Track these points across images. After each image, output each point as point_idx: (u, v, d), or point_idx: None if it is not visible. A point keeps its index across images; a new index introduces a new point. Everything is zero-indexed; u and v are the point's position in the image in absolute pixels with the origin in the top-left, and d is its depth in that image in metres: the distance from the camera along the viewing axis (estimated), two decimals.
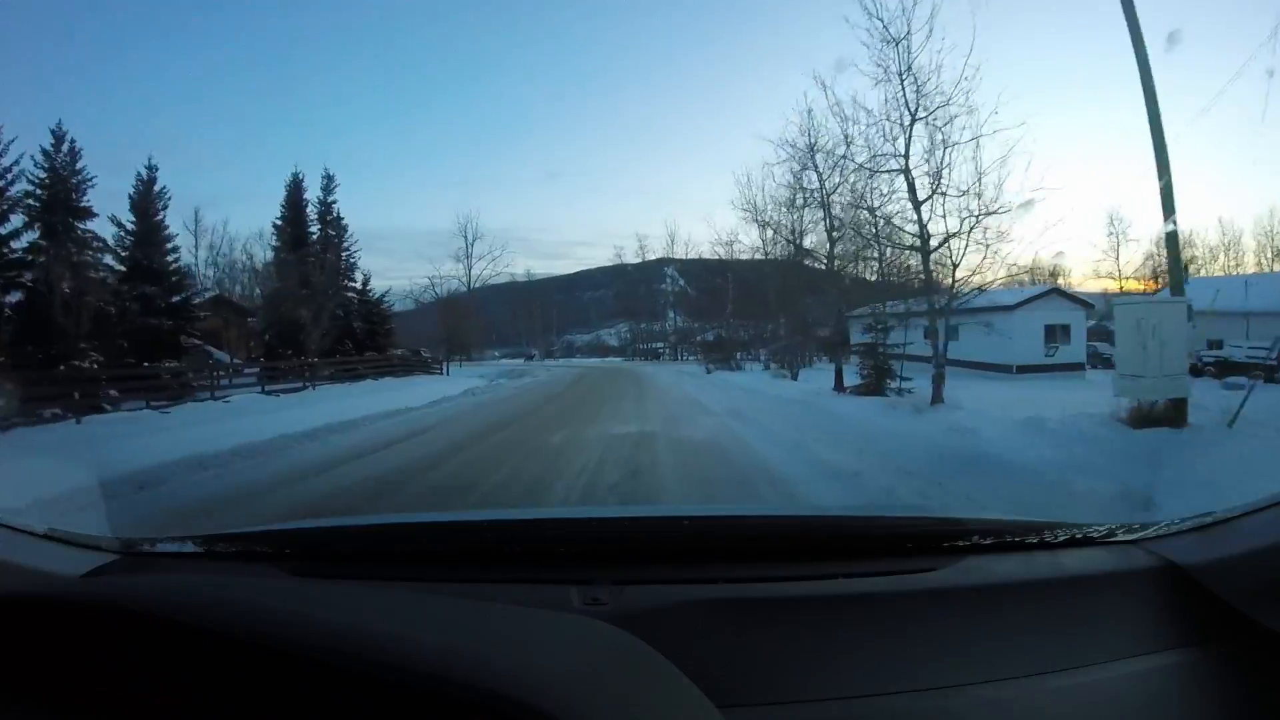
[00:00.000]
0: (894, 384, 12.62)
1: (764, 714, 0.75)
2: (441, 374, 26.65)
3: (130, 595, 0.77)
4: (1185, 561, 0.93)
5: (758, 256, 30.09)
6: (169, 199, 19.82)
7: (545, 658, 0.65)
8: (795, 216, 18.00)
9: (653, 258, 58.74)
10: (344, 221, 25.82)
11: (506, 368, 32.93)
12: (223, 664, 0.68)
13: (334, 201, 25.66)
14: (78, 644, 0.74)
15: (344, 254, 25.56)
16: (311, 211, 25.29)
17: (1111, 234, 40.44)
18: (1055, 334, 22.85)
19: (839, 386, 14.39)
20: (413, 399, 13.58)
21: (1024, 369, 20.41)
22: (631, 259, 58.77)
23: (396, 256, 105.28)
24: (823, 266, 16.72)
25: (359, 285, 26.29)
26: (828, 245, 15.59)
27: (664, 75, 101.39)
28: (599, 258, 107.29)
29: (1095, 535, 1.05)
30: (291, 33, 67.02)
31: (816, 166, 14.94)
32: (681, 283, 58.22)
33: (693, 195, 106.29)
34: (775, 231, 19.80)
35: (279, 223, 24.73)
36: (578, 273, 76.98)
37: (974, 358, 19.98)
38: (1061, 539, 1.04)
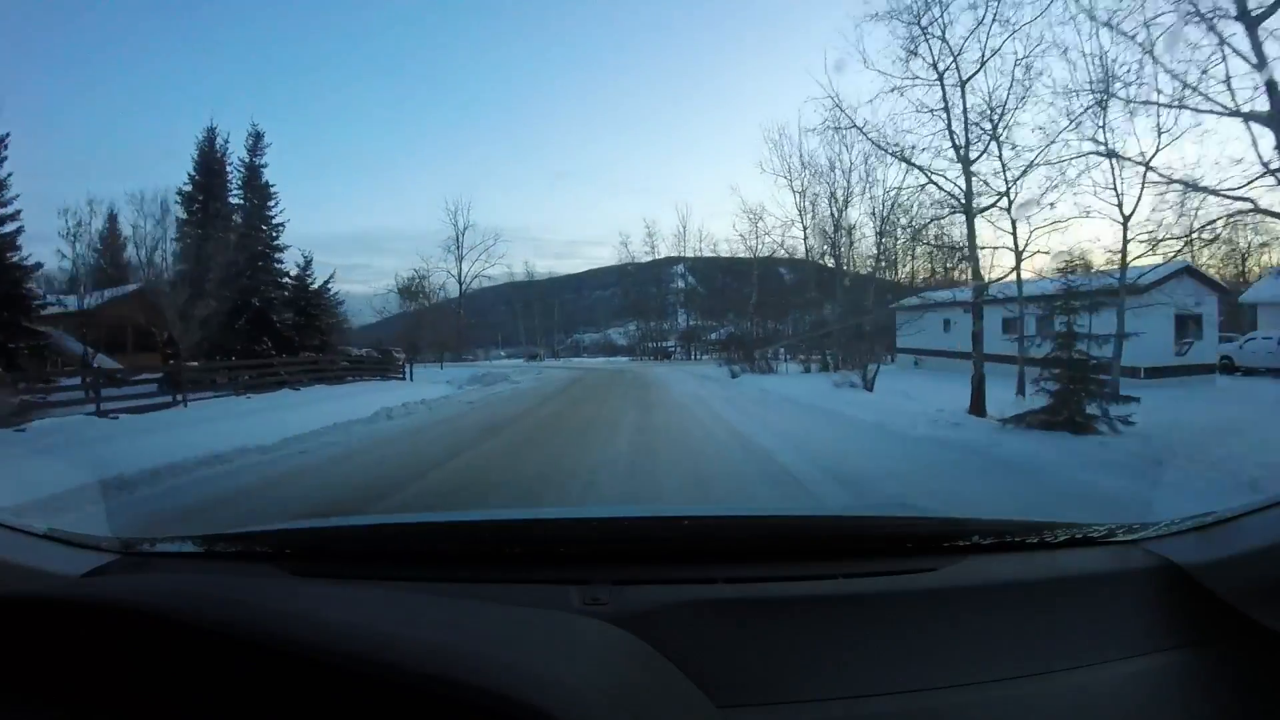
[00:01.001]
0: (1100, 410, 7.07)
1: (763, 714, 0.75)
2: (403, 378, 21.31)
3: (130, 595, 0.77)
4: (1185, 561, 0.93)
5: (794, 227, 24.79)
6: (7, 146, 14.60)
7: (545, 658, 0.65)
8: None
9: (663, 255, 54.25)
10: (273, 189, 20.33)
11: (494, 370, 27.96)
12: (223, 664, 0.68)
13: (263, 165, 20.28)
14: (78, 644, 0.74)
15: (268, 228, 19.99)
16: (236, 177, 19.96)
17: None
18: (1187, 326, 17.74)
19: (977, 409, 8.79)
20: (274, 431, 8.29)
21: (1152, 372, 15.31)
22: (638, 250, 54.19)
23: (404, 257, 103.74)
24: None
25: (291, 271, 20.63)
26: (960, 167, 9.82)
27: (666, 67, 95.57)
28: (608, 257, 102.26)
29: (1095, 535, 1.05)
30: (297, 37, 62.87)
31: (941, 34, 9.23)
32: (692, 280, 53.80)
33: (702, 191, 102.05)
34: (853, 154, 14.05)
35: (187, 189, 19.28)
36: (586, 271, 72.20)
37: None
38: (1061, 539, 1.03)
